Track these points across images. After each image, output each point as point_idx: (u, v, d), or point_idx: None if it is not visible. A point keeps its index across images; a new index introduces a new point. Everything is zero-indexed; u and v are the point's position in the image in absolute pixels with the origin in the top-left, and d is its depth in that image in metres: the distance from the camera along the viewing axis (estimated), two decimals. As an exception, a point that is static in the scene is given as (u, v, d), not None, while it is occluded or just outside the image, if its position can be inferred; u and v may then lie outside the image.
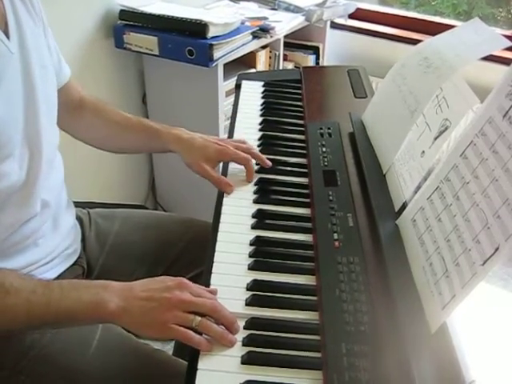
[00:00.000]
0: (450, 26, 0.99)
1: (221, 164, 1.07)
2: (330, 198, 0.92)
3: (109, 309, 0.71)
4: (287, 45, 2.19)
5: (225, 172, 1.05)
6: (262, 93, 1.36)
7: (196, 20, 1.69)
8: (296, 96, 1.34)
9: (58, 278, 0.95)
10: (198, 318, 0.70)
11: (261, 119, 1.23)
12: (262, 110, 1.28)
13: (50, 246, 0.94)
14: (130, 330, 0.74)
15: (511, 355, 0.70)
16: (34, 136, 0.85)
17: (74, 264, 1.01)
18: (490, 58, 1.89)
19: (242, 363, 0.67)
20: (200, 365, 0.67)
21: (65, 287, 0.75)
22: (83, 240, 1.09)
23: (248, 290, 0.78)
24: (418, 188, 0.81)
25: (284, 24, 1.96)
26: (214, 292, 0.76)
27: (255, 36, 1.87)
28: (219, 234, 0.89)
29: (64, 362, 0.86)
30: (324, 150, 1.06)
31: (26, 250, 0.89)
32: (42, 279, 0.79)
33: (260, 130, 1.20)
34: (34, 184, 0.86)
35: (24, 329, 0.81)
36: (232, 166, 1.06)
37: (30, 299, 0.72)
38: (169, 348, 1.43)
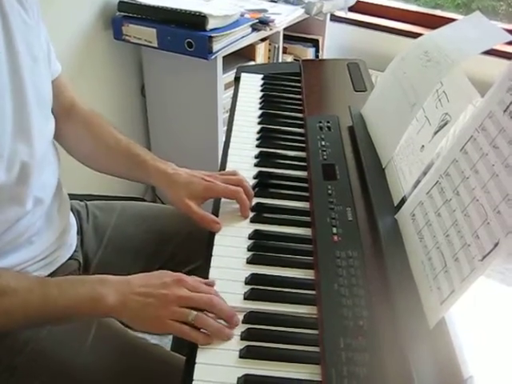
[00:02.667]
0: (451, 20, 0.99)
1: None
2: (329, 191, 0.92)
3: (107, 303, 0.71)
4: (287, 37, 2.18)
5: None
6: (261, 86, 1.35)
7: (195, 12, 1.68)
8: (295, 89, 1.34)
9: (53, 273, 0.94)
10: (194, 313, 0.71)
11: (260, 112, 1.23)
12: (261, 102, 1.27)
13: (45, 243, 0.93)
14: (126, 324, 0.75)
15: (510, 350, 0.70)
16: (25, 134, 0.82)
17: (69, 259, 1.00)
18: (490, 52, 1.89)
19: (241, 357, 0.67)
20: (198, 359, 0.66)
21: (62, 284, 0.75)
22: (81, 233, 1.08)
23: (246, 283, 0.78)
24: (418, 182, 0.80)
25: (283, 16, 1.95)
26: (211, 284, 0.77)
27: (255, 28, 1.86)
28: (218, 227, 0.88)
29: (60, 358, 0.86)
30: (323, 143, 1.05)
31: (20, 248, 0.87)
32: (38, 277, 0.79)
33: (259, 123, 1.19)
34: (25, 182, 0.83)
35: (22, 328, 0.81)
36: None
37: (26, 299, 0.72)
38: (167, 342, 1.43)
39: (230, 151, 1.10)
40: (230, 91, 1.54)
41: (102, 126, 1.06)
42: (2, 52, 0.79)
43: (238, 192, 0.92)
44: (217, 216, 0.91)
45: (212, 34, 1.66)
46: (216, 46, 1.68)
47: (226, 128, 1.22)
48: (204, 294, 0.73)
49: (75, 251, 1.03)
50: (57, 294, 0.73)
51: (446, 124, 0.81)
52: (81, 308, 0.73)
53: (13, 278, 0.75)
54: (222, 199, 0.95)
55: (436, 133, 0.82)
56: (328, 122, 1.12)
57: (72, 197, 1.07)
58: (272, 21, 1.88)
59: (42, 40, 0.92)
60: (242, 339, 0.69)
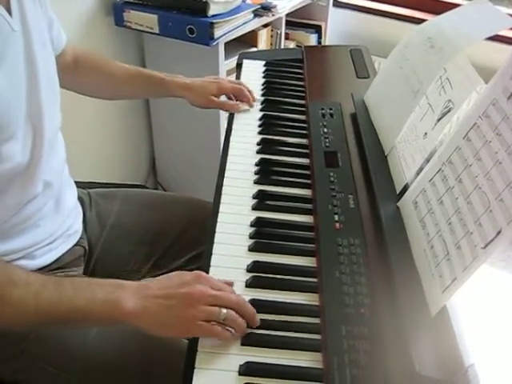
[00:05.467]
0: (454, 5, 0.98)
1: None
2: (331, 179, 0.92)
3: (126, 308, 0.67)
4: (289, 23, 2.17)
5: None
6: (263, 72, 1.35)
7: (197, -3, 1.67)
8: (297, 76, 1.33)
9: (59, 259, 0.95)
10: (224, 311, 0.67)
11: (262, 99, 1.23)
12: (263, 89, 1.27)
13: (52, 227, 0.93)
14: (148, 332, 0.69)
15: (511, 338, 0.70)
16: (37, 115, 0.84)
17: (75, 245, 1.00)
18: (495, 38, 1.87)
19: (242, 344, 0.67)
20: (200, 346, 0.67)
21: (77, 285, 0.71)
22: (84, 220, 1.08)
23: (248, 271, 0.78)
24: (420, 170, 0.80)
25: (286, 2, 1.93)
26: (230, 284, 0.75)
27: (256, 14, 1.85)
28: (220, 214, 0.88)
29: (65, 345, 0.86)
30: (325, 130, 1.05)
31: (27, 232, 0.88)
32: (52, 276, 0.76)
33: (261, 109, 1.19)
34: (36, 164, 0.84)
35: (30, 327, 0.77)
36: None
37: (39, 293, 0.68)
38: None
39: (232, 137, 1.10)
40: (232, 78, 1.54)
41: (108, 62, 1.21)
42: (18, 31, 0.80)
43: (242, 89, 1.20)
44: (219, 203, 0.91)
45: (213, 20, 1.65)
46: (218, 32, 1.67)
47: (227, 115, 1.21)
48: (230, 293, 0.71)
49: (81, 238, 1.03)
50: (72, 293, 0.69)
51: (449, 111, 0.80)
52: (97, 311, 0.69)
53: (25, 272, 0.72)
54: (224, 185, 0.95)
55: (439, 120, 0.82)
56: (330, 109, 1.11)
57: (75, 185, 1.07)
58: (274, 6, 1.86)
59: (53, 22, 0.97)
60: (243, 327, 0.70)
